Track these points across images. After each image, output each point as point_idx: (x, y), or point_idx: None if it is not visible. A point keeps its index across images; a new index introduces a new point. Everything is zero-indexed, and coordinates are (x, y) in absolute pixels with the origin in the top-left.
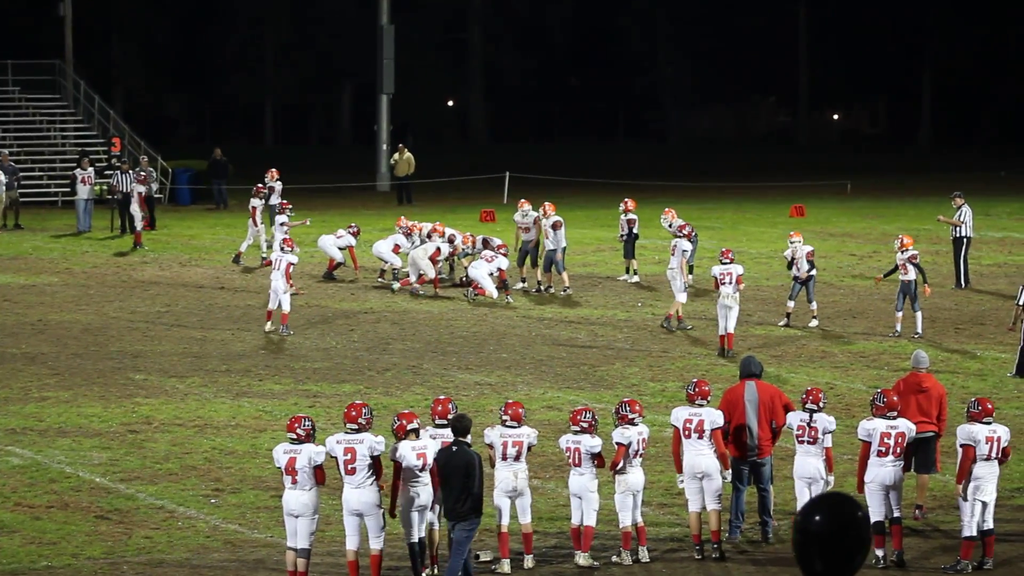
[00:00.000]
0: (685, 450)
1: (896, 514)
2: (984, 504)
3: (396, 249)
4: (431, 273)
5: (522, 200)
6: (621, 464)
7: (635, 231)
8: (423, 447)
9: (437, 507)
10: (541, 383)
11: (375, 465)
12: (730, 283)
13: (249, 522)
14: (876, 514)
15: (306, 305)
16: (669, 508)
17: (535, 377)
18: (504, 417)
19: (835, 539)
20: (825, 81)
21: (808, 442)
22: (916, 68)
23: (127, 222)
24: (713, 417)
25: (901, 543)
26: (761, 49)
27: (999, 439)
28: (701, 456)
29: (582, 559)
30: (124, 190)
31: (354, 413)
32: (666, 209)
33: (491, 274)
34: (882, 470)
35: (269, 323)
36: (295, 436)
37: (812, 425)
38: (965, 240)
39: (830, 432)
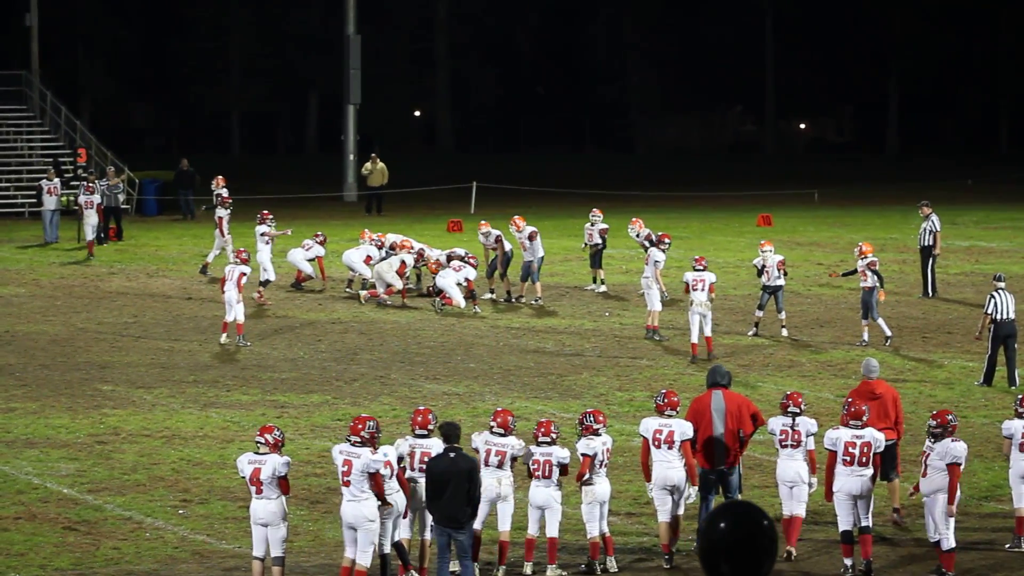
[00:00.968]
0: (655, 461)
1: (865, 523)
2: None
3: (368, 260)
4: (399, 284)
5: (481, 222)
6: (587, 475)
7: (604, 240)
8: (385, 455)
9: (408, 517)
10: (509, 393)
11: (372, 480)
12: (702, 290)
13: (217, 533)
14: (844, 523)
15: (273, 316)
16: (637, 518)
17: (503, 387)
18: (492, 424)
19: (741, 547)
20: (791, 90)
21: (792, 446)
22: (882, 77)
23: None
24: (683, 429)
25: (870, 552)
26: (727, 58)
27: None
28: (672, 469)
29: (551, 571)
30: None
31: (359, 426)
32: (633, 219)
33: (459, 284)
34: (848, 480)
35: (224, 335)
36: (263, 441)
37: (795, 428)
38: (940, 250)
39: (812, 434)
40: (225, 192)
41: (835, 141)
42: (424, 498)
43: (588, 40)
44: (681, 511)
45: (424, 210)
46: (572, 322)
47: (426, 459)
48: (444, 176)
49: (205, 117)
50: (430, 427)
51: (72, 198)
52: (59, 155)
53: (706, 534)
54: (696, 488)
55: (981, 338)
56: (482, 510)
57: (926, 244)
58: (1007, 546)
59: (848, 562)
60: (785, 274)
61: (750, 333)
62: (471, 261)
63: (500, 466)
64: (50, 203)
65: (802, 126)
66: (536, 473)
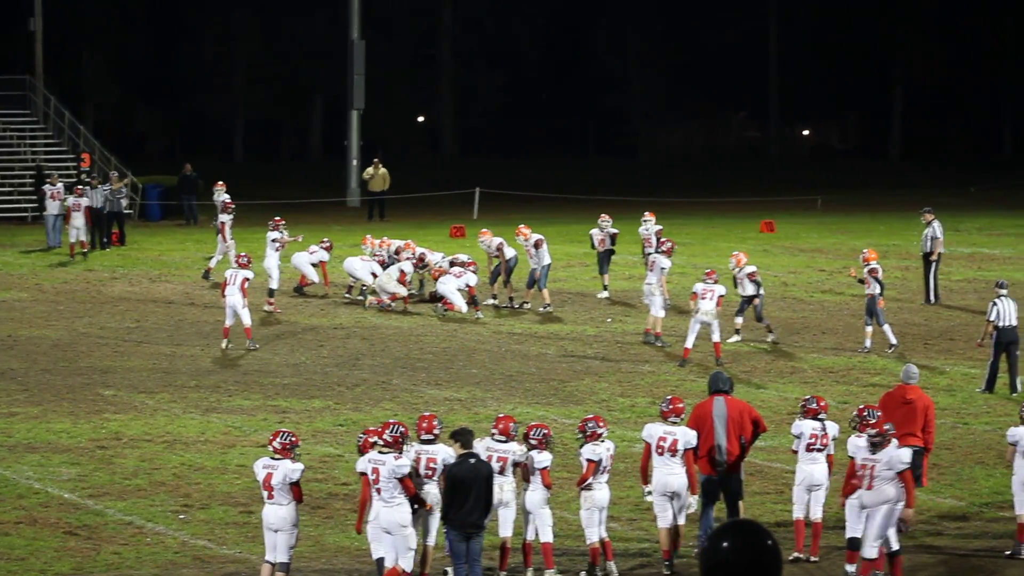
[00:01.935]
0: (657, 467)
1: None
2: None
3: (374, 275)
4: (403, 292)
5: (482, 231)
6: (589, 480)
7: (614, 246)
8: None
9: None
10: (511, 399)
11: (402, 485)
12: (711, 299)
13: (218, 538)
14: (853, 530)
15: (276, 321)
16: (638, 523)
17: (505, 393)
18: (493, 431)
19: (745, 567)
20: (795, 96)
21: (818, 449)
22: (886, 83)
23: (97, 237)
24: (687, 437)
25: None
26: (731, 65)
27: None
28: (673, 475)
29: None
30: (94, 206)
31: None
32: (648, 212)
33: (460, 289)
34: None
35: (225, 340)
36: (273, 447)
37: (824, 432)
38: (937, 255)
39: (835, 438)
40: (228, 197)
41: (839, 147)
42: (438, 503)
43: (592, 46)
44: (682, 519)
45: (427, 216)
46: (574, 328)
47: (432, 465)
48: (447, 182)
49: (209, 122)
50: (435, 432)
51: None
52: (59, 160)
53: (709, 553)
54: (696, 497)
55: (983, 345)
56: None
57: (928, 251)
58: (1007, 553)
59: (850, 568)
60: (758, 284)
61: (731, 340)
62: (472, 267)
63: (502, 472)
64: (53, 208)
65: (805, 132)
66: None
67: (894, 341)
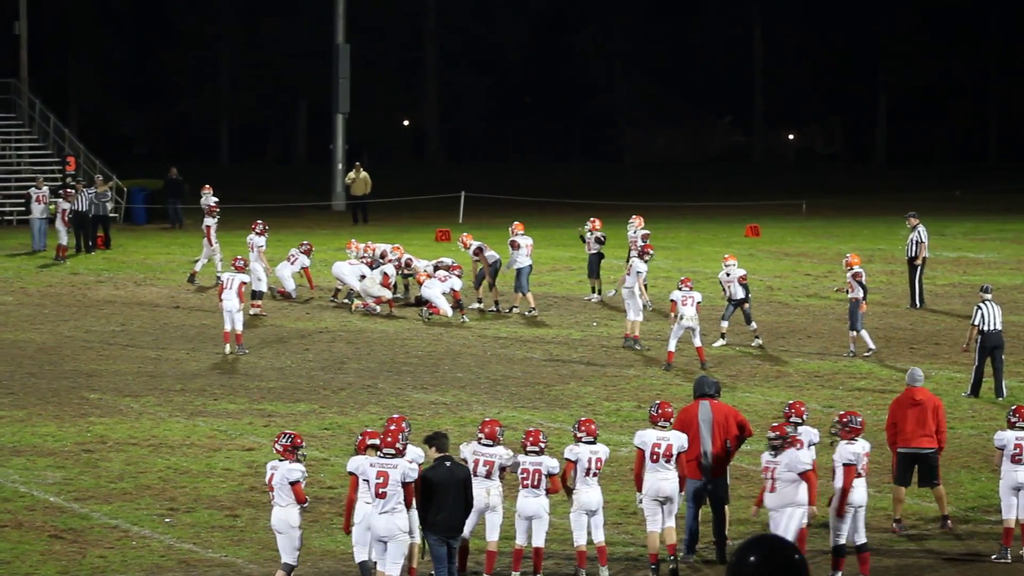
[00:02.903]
0: (649, 473)
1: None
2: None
3: (362, 278)
4: (387, 295)
5: (463, 235)
6: (572, 482)
7: (602, 248)
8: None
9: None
10: (496, 402)
11: (405, 491)
12: (691, 304)
13: (203, 541)
14: (838, 537)
15: (261, 324)
16: (623, 527)
17: (490, 396)
18: (480, 435)
19: None
20: (780, 101)
21: None
22: (871, 88)
23: (82, 241)
24: (681, 441)
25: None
26: (716, 69)
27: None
28: (666, 481)
29: None
30: (79, 209)
31: (390, 439)
32: (634, 216)
33: (444, 294)
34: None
35: (228, 345)
36: (276, 450)
37: (798, 437)
38: (921, 260)
39: (815, 444)
40: (213, 201)
41: (824, 152)
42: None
43: (577, 50)
44: (672, 522)
45: (412, 219)
46: (560, 332)
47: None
48: (433, 185)
49: (194, 126)
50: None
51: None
52: (44, 164)
53: (737, 568)
54: (682, 494)
55: (969, 350)
56: (470, 520)
57: (913, 255)
58: (993, 557)
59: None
60: (746, 288)
61: (715, 344)
62: (456, 271)
63: (488, 476)
64: (38, 211)
65: (791, 136)
66: (525, 483)
67: (872, 346)
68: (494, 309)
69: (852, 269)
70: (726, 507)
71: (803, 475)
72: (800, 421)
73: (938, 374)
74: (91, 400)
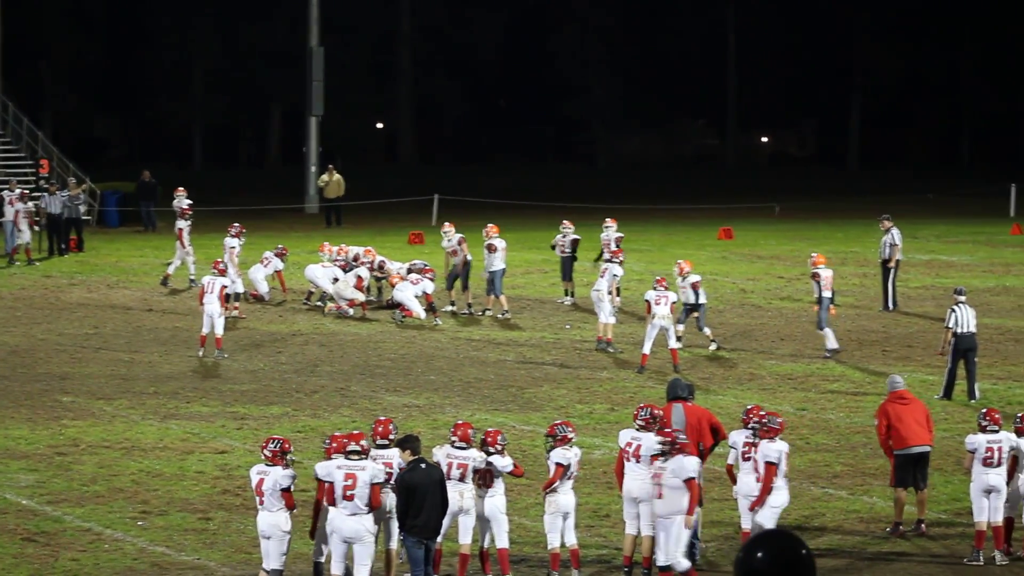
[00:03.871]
0: (626, 473)
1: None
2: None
3: (335, 280)
4: (360, 297)
5: (445, 223)
6: (555, 484)
7: (575, 251)
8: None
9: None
10: (469, 405)
11: (372, 493)
12: (665, 304)
13: (176, 544)
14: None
15: (234, 328)
16: (596, 530)
17: (463, 399)
18: (452, 438)
19: None
20: (753, 104)
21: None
22: (844, 91)
23: (55, 244)
24: (650, 443)
25: None
26: (690, 72)
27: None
28: (636, 481)
29: None
30: (53, 212)
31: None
32: (609, 219)
33: (416, 296)
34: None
35: (203, 349)
36: (264, 455)
37: (758, 442)
38: (895, 262)
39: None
40: (186, 204)
41: (797, 155)
42: (392, 509)
43: (551, 53)
44: (651, 532)
45: (386, 222)
46: (533, 334)
47: (388, 469)
48: (406, 188)
49: (167, 129)
50: (391, 437)
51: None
52: (17, 167)
53: (744, 564)
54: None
55: (944, 353)
56: (444, 523)
57: (886, 258)
58: (966, 560)
59: None
60: (698, 294)
61: (671, 345)
62: (429, 274)
63: (462, 479)
64: (10, 214)
65: (764, 139)
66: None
67: (833, 346)
68: (467, 312)
69: (816, 268)
70: (699, 509)
71: (687, 482)
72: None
73: (911, 376)
74: (64, 403)
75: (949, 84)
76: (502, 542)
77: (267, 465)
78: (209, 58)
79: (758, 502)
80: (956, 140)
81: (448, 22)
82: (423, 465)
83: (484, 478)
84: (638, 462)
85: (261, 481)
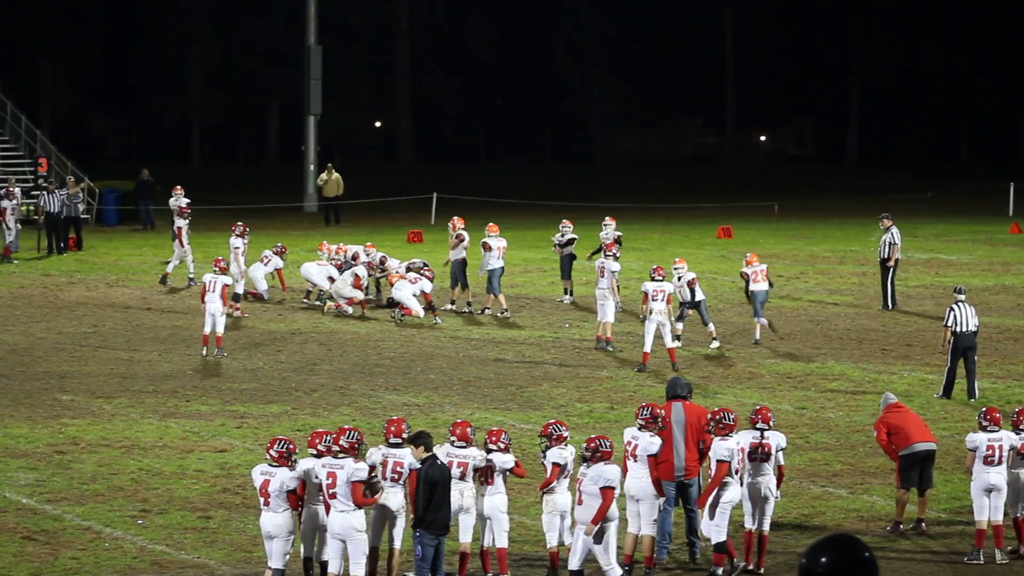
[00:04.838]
0: (628, 470)
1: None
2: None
3: (331, 280)
4: (359, 296)
5: (455, 218)
6: (552, 484)
7: (573, 251)
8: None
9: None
10: (469, 404)
11: (353, 491)
12: (661, 299)
13: (176, 543)
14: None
15: (234, 327)
16: None
17: (463, 398)
18: (452, 437)
19: None
20: (752, 102)
21: (760, 459)
22: (843, 89)
23: (54, 242)
24: (645, 444)
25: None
26: (688, 70)
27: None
28: (634, 479)
29: None
30: (51, 210)
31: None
32: (608, 217)
33: (415, 295)
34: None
35: (206, 348)
36: (270, 456)
37: (764, 442)
38: (894, 261)
39: (782, 449)
40: (184, 203)
41: (795, 153)
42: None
43: (549, 52)
44: (652, 531)
45: (384, 221)
46: (532, 333)
47: (399, 468)
48: (405, 187)
49: (166, 127)
50: (404, 436)
51: (31, 208)
52: (16, 165)
53: (808, 568)
54: (661, 500)
55: (945, 352)
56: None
57: (886, 257)
58: (966, 559)
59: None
60: (694, 292)
61: (670, 344)
62: (427, 273)
63: (462, 477)
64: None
65: (762, 138)
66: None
67: (758, 337)
68: (467, 311)
69: (752, 267)
70: (698, 508)
71: (603, 490)
72: (767, 426)
73: (911, 375)
74: (63, 401)
75: (948, 82)
76: (501, 541)
77: (271, 466)
78: (207, 56)
79: (703, 500)
80: (955, 138)
81: (446, 21)
82: (438, 462)
83: (485, 475)
84: (635, 461)
85: (266, 482)
